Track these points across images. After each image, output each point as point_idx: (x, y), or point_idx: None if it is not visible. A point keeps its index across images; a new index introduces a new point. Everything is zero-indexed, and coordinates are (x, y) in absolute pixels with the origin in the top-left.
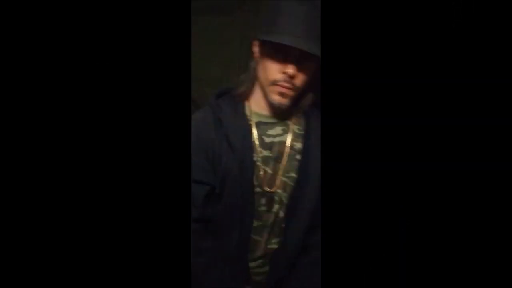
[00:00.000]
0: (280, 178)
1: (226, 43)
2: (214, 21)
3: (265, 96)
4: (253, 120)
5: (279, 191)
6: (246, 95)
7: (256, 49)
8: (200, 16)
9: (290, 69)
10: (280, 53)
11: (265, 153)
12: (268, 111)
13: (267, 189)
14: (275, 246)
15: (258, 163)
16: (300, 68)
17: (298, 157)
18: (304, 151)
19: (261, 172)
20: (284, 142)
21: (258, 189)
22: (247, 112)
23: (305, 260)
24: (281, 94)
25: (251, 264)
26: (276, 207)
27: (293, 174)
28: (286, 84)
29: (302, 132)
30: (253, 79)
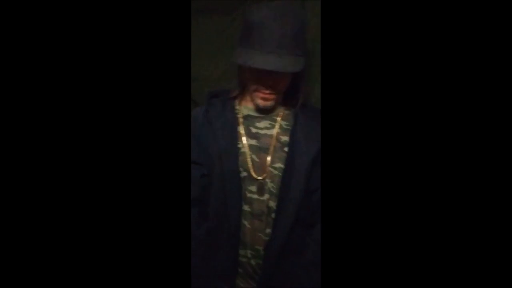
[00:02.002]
0: (268, 168)
1: (226, 43)
2: (214, 21)
3: (252, 98)
4: (241, 114)
5: (268, 180)
6: (237, 96)
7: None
8: (200, 16)
9: (269, 81)
10: (256, 68)
11: (252, 142)
12: (256, 109)
13: (255, 176)
14: (266, 238)
15: (244, 150)
16: (279, 78)
17: (285, 149)
18: (291, 144)
19: (248, 159)
20: (271, 135)
21: (244, 174)
22: (237, 108)
23: (299, 262)
24: (264, 99)
25: (241, 252)
26: (266, 196)
27: (280, 165)
28: (267, 91)
29: (289, 127)
30: (242, 84)
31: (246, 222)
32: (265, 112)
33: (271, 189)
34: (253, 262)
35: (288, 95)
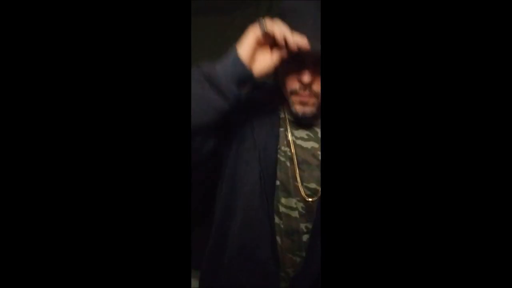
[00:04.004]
0: (298, 185)
1: (226, 43)
2: (214, 21)
3: (290, 106)
4: (284, 115)
5: (296, 199)
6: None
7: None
8: (200, 16)
9: (305, 77)
10: (294, 59)
11: (286, 149)
12: (295, 118)
13: (304, 195)
14: (297, 259)
15: (281, 158)
16: (317, 72)
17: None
18: None
19: (282, 169)
20: (305, 148)
21: (277, 183)
22: (279, 106)
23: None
24: (303, 104)
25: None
26: (295, 213)
27: (316, 186)
28: (304, 93)
29: None
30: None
31: (278, 238)
32: (305, 121)
33: (300, 209)
34: (282, 284)
35: None
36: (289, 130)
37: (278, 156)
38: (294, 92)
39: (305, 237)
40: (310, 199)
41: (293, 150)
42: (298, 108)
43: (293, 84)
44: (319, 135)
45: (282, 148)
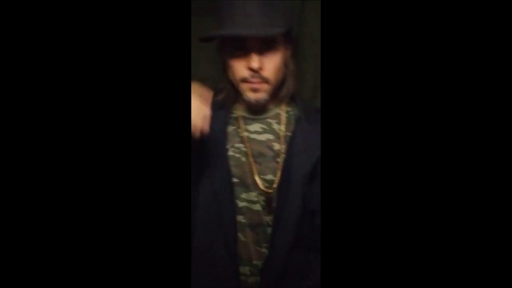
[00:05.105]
0: (255, 179)
1: None
2: (214, 21)
3: (242, 95)
4: (236, 113)
5: (256, 192)
6: (231, 99)
7: (219, 49)
8: (200, 16)
9: (253, 63)
10: (240, 48)
11: (240, 146)
12: (249, 108)
13: (263, 187)
14: (263, 251)
15: (236, 155)
16: (265, 58)
17: (277, 159)
18: (288, 154)
19: (236, 163)
20: (261, 141)
21: (235, 180)
22: (232, 107)
23: (301, 286)
24: (254, 90)
25: (240, 270)
26: (257, 206)
27: (271, 177)
28: (254, 80)
29: (285, 134)
30: (230, 82)
31: (240, 235)
32: (258, 112)
33: (262, 202)
34: (252, 279)
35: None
36: (242, 127)
37: (232, 153)
38: (244, 80)
39: (269, 230)
40: (269, 191)
41: (247, 145)
42: (251, 95)
43: (242, 71)
44: (273, 126)
45: (236, 145)
